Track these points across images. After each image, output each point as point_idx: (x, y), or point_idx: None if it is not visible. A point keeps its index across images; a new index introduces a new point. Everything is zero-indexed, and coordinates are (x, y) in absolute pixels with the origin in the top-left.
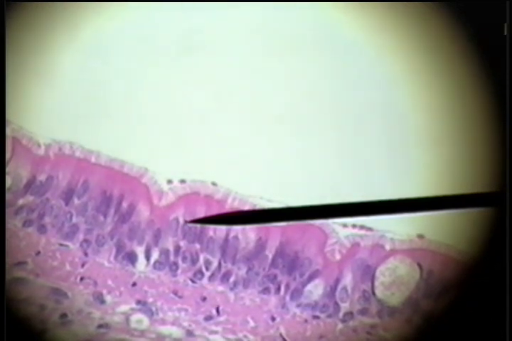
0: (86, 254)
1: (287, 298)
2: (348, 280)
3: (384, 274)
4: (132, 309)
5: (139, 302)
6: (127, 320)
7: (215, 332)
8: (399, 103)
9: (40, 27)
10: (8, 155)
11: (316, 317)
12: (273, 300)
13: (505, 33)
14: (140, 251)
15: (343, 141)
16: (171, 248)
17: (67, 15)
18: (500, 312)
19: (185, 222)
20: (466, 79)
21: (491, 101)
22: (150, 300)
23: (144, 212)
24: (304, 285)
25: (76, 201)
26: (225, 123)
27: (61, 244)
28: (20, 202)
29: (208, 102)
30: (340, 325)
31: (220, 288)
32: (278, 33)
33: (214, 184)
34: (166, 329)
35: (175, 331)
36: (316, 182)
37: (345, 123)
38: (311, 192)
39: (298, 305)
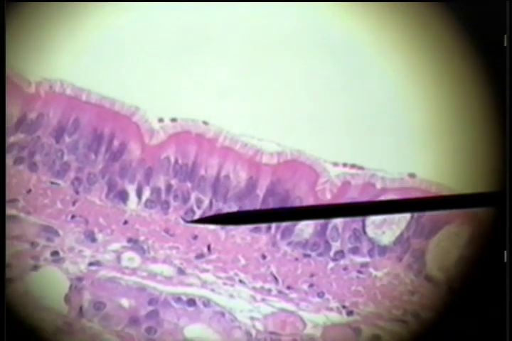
0: (77, 192)
1: (278, 236)
2: (338, 219)
3: None
4: (123, 247)
5: (130, 240)
6: (118, 258)
7: (206, 271)
8: (398, 103)
9: (40, 27)
10: None
11: (306, 255)
12: (264, 238)
13: (506, 31)
14: (131, 189)
15: (342, 140)
16: (163, 186)
17: (67, 15)
18: (500, 312)
19: (185, 222)
20: (466, 79)
21: (491, 101)
22: (141, 238)
23: (135, 150)
24: (295, 223)
25: (67, 139)
26: (217, 62)
27: (52, 182)
28: (11, 139)
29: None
30: (331, 264)
31: (211, 227)
32: (278, 32)
33: (205, 123)
34: (157, 268)
35: (166, 269)
36: (308, 124)
37: (344, 122)
38: (302, 132)
39: (288, 244)
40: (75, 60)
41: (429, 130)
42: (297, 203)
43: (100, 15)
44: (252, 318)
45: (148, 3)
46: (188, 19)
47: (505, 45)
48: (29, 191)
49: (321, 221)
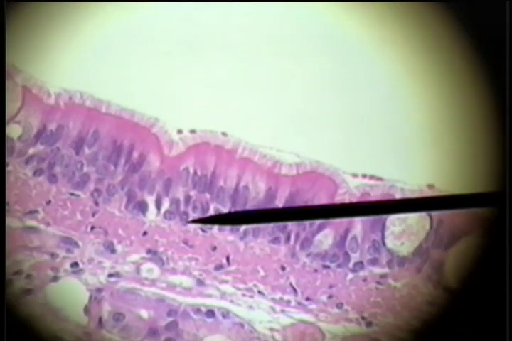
0: (97, 204)
1: (297, 247)
2: (358, 230)
3: (394, 224)
4: (143, 258)
5: (149, 251)
6: (138, 269)
7: (226, 282)
8: (399, 103)
9: (40, 27)
10: (18, 104)
11: (326, 266)
12: (283, 249)
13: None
14: (151, 200)
15: (343, 140)
16: (182, 197)
17: (66, 15)
18: (501, 312)
19: (187, 222)
20: (466, 79)
21: (491, 101)
22: (160, 249)
23: (154, 161)
24: (314, 234)
25: (87, 150)
26: (234, 72)
27: (72, 194)
28: (31, 151)
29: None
30: (350, 275)
31: (230, 238)
32: (279, 33)
33: (224, 134)
34: (176, 279)
35: (185, 280)
36: (324, 136)
37: (345, 122)
38: (320, 142)
39: (308, 255)
40: (77, 61)
41: (429, 131)
42: None
43: (101, 15)
44: (271, 329)
45: (148, 3)
46: (193, 19)
47: (506, 44)
48: (49, 202)
49: (339, 231)
